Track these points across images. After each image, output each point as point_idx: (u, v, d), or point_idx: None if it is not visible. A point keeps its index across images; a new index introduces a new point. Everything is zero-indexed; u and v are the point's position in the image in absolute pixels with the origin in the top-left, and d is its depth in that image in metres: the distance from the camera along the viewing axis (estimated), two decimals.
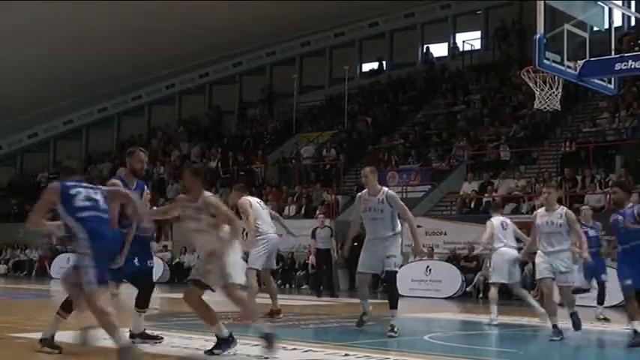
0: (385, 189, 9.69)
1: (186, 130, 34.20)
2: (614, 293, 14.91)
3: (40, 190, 34.79)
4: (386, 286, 10.92)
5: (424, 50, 32.49)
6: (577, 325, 9.67)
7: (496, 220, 11.61)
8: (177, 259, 24.16)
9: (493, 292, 11.36)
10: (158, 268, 23.61)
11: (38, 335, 8.53)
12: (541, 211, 9.74)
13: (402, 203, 9.87)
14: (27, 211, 31.15)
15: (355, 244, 10.63)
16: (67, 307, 7.55)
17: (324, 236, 19.03)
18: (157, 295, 17.62)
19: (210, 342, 8.14)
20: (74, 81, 31.77)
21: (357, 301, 11.37)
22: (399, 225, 9.75)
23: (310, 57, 34.78)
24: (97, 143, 36.48)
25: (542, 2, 9.76)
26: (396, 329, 9.10)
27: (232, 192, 11.84)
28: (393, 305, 9.34)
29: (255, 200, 11.36)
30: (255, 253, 10.89)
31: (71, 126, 36.66)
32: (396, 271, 9.66)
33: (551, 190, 9.83)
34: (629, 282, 8.58)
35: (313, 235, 17.78)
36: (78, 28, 27.85)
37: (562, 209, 9.62)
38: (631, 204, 8.97)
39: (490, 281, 11.64)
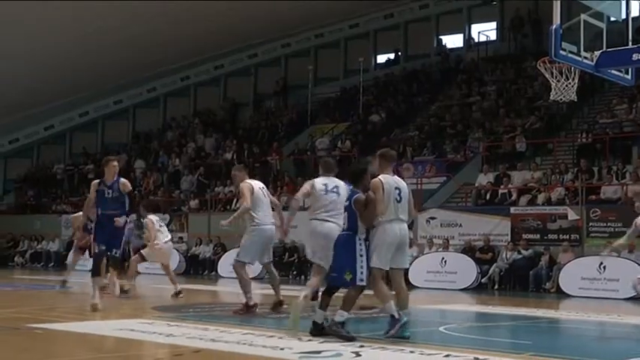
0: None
1: (202, 122, 34.26)
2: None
3: (57, 182, 35.17)
4: None
5: (438, 41, 32.39)
6: None
7: None
8: (193, 251, 24.25)
9: None
10: (174, 259, 23.75)
11: (56, 326, 8.61)
12: None
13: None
14: (43, 203, 31.48)
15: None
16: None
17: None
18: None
19: (225, 333, 8.18)
20: (90, 73, 31.87)
21: (370, 292, 11.28)
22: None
23: (325, 48, 34.72)
24: (113, 135, 36.61)
25: None
26: None
27: (234, 172, 11.25)
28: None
29: (257, 186, 10.72)
30: (247, 246, 10.46)
31: (87, 118, 36.81)
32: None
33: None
34: None
35: None
36: (92, 22, 27.91)
37: None
38: None
39: None
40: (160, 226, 14.01)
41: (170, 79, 36.58)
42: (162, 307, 11.62)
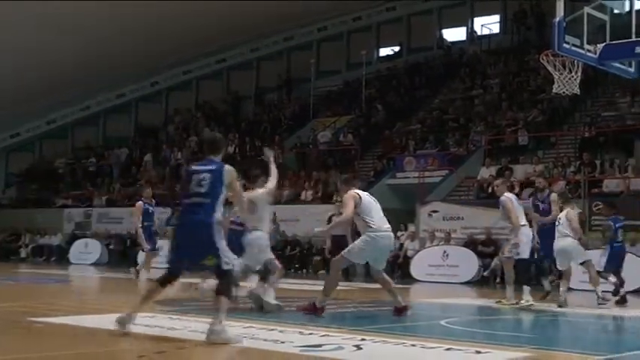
0: None
1: (204, 115, 34.25)
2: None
3: (58, 176, 35.21)
4: None
5: (439, 35, 32.35)
6: None
7: None
8: None
9: None
10: None
11: (58, 320, 8.60)
12: None
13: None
14: (45, 197, 31.48)
15: None
16: None
17: None
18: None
19: (227, 326, 8.15)
20: (91, 67, 31.86)
21: (372, 286, 11.34)
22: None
23: (328, 42, 34.70)
24: (115, 129, 36.62)
25: None
26: None
27: (341, 185, 10.53)
28: None
29: (364, 194, 10.10)
30: (360, 247, 9.72)
31: (89, 112, 36.81)
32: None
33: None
34: None
35: (330, 221, 17.74)
36: (95, 16, 27.88)
37: None
38: None
39: None
40: None
41: (172, 73, 36.60)
42: (164, 300, 11.60)
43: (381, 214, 9.90)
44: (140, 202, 15.84)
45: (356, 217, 9.84)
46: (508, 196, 11.76)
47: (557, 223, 12.01)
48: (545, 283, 12.89)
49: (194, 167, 7.54)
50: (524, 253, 11.72)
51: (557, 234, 11.94)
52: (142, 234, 15.45)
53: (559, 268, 12.23)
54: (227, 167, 7.43)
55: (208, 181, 7.28)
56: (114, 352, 7.02)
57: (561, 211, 12.21)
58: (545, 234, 12.41)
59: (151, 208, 15.70)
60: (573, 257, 12.02)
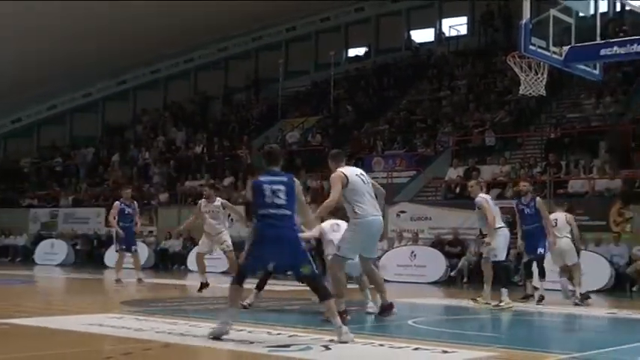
0: None
1: (172, 115, 34.06)
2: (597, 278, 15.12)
3: (24, 175, 34.74)
4: None
5: (407, 36, 32.49)
6: None
7: None
8: (162, 245, 24.10)
9: None
10: (143, 253, 23.57)
11: (24, 321, 8.51)
12: None
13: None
14: (10, 197, 31.07)
15: None
16: None
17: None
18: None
19: (194, 327, 8.14)
20: (58, 66, 31.51)
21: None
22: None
23: (296, 42, 34.67)
24: (82, 128, 36.27)
25: None
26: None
27: (328, 160, 9.35)
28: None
29: (354, 173, 9.07)
30: (350, 240, 8.94)
31: (55, 111, 36.42)
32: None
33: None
34: None
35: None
36: (62, 14, 27.57)
37: None
38: None
39: None
40: None
41: (140, 72, 36.32)
42: (131, 301, 11.55)
43: (371, 196, 9.04)
44: (117, 202, 15.88)
45: (344, 202, 9.00)
46: (483, 197, 11.76)
47: (553, 224, 12.32)
48: (528, 286, 12.93)
49: (263, 179, 7.48)
50: (501, 256, 11.74)
51: (557, 234, 12.26)
52: (121, 233, 15.47)
53: (555, 264, 12.67)
54: (296, 179, 7.58)
55: (284, 191, 7.39)
56: (80, 353, 6.96)
57: (550, 213, 12.52)
58: (530, 235, 12.50)
59: (127, 209, 15.71)
60: (567, 257, 12.40)
